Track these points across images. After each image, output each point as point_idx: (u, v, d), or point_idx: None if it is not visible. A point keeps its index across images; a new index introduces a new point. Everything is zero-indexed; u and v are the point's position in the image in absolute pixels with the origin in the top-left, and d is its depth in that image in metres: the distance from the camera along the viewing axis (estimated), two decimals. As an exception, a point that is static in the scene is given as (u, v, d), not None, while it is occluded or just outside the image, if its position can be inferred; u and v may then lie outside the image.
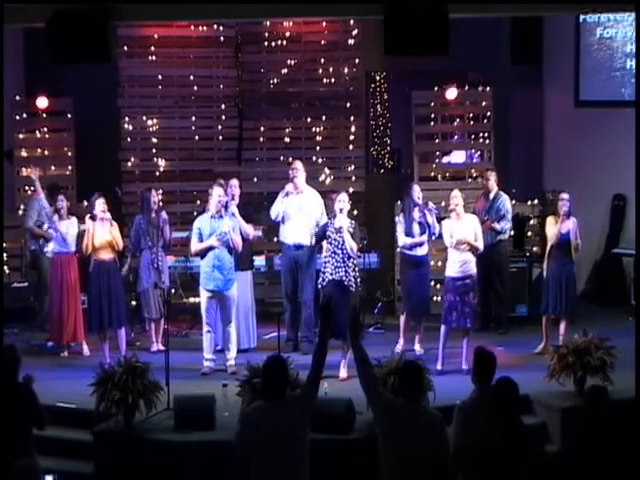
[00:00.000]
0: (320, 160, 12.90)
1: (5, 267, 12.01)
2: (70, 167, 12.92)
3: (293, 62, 12.99)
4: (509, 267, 11.73)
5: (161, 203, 11.29)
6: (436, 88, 12.81)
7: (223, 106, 13.08)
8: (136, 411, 8.01)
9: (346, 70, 13.00)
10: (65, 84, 12.73)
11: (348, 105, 13.02)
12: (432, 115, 12.95)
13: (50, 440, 7.78)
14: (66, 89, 12.84)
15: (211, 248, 9.78)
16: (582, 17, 12.82)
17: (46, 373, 9.51)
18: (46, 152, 13.01)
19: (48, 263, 11.09)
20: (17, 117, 12.85)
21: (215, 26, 12.90)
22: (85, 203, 11.45)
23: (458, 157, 13.25)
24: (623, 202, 13.08)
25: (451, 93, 12.74)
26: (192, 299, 11.54)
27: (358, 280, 9.61)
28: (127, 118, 12.93)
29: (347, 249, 9.44)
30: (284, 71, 13.01)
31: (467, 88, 12.88)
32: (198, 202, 12.38)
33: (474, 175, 12.83)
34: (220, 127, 13.06)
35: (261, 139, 13.07)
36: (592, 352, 8.52)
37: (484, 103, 12.85)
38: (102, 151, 12.78)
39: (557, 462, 8.10)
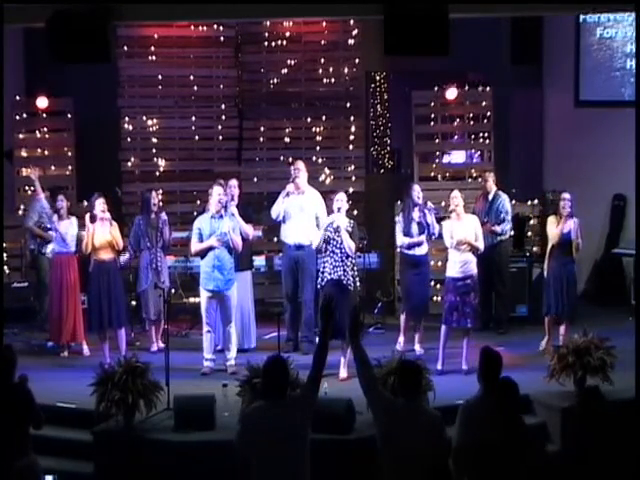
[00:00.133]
0: (320, 160, 12.89)
1: (5, 267, 12.01)
2: (70, 167, 12.92)
3: (293, 62, 12.99)
4: (509, 267, 11.73)
5: (161, 204, 11.29)
6: (436, 88, 12.80)
7: (223, 106, 13.07)
8: (136, 411, 8.01)
9: (346, 70, 13.00)
10: (65, 84, 12.72)
11: (348, 105, 13.02)
12: (432, 115, 12.95)
13: (50, 440, 7.79)
14: (66, 89, 12.83)
15: (211, 248, 9.78)
16: (582, 17, 12.85)
17: (46, 373, 9.55)
18: (46, 152, 13.01)
19: (48, 263, 11.10)
20: (17, 117, 12.85)
21: (215, 26, 12.89)
22: (85, 203, 11.45)
23: (458, 157, 13.25)
24: (623, 202, 13.09)
25: (451, 93, 12.73)
26: (192, 299, 11.54)
27: (357, 279, 9.61)
28: (127, 118, 12.93)
29: (345, 248, 9.45)
30: (284, 71, 13.00)
31: (467, 88, 12.88)
32: (198, 202, 12.37)
33: (474, 175, 12.83)
34: (220, 127, 13.06)
35: (261, 139, 13.06)
36: (592, 352, 8.52)
37: (484, 103, 12.85)
38: (102, 151, 12.78)
39: (557, 462, 8.11)
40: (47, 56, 8.61)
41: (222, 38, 12.99)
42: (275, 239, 11.77)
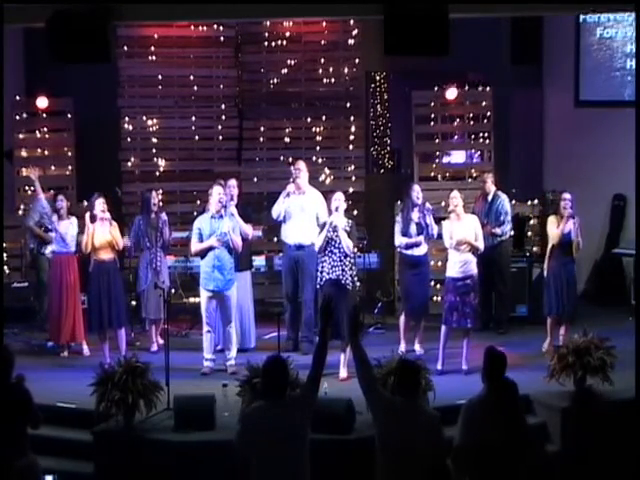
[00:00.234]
0: (320, 160, 12.89)
1: (5, 267, 12.01)
2: (70, 167, 12.92)
3: (293, 62, 12.99)
4: (510, 267, 11.73)
5: (161, 204, 11.29)
6: (436, 88, 12.80)
7: (223, 106, 13.07)
8: (136, 411, 8.01)
9: (346, 70, 12.99)
10: (65, 84, 12.71)
11: (348, 105, 13.02)
12: (432, 115, 12.94)
13: (50, 440, 7.80)
14: (66, 89, 12.81)
15: (211, 248, 9.78)
16: (582, 17, 12.85)
17: (46, 373, 9.56)
18: (46, 152, 13.01)
19: (47, 263, 11.10)
20: (17, 117, 12.85)
21: (215, 26, 12.89)
22: (85, 203, 11.45)
23: (458, 157, 13.25)
24: (623, 202, 13.09)
25: (451, 93, 12.73)
26: (192, 299, 11.54)
27: (355, 279, 9.61)
28: (127, 118, 12.93)
29: (344, 248, 9.45)
30: (284, 71, 13.00)
31: (467, 88, 12.87)
32: (198, 202, 12.37)
33: (474, 175, 12.83)
34: (220, 127, 13.06)
35: (261, 139, 13.06)
36: (592, 352, 8.52)
37: (484, 103, 12.84)
38: (102, 151, 12.78)
39: (557, 462, 8.11)
40: (47, 56, 8.60)
41: (222, 38, 12.99)
42: (275, 239, 11.78)
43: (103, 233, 10.05)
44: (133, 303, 11.40)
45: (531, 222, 12.61)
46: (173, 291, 11.62)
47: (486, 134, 12.90)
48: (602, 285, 12.91)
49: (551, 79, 13.76)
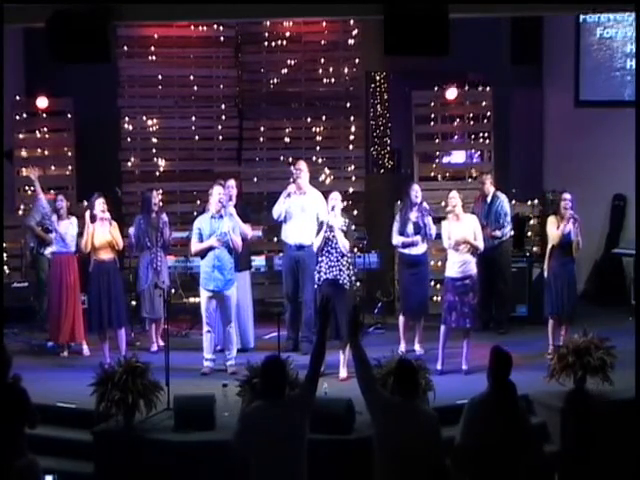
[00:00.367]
0: (320, 160, 12.88)
1: (5, 267, 12.01)
2: (70, 167, 12.92)
3: (293, 62, 12.99)
4: (511, 266, 11.73)
5: (161, 204, 11.29)
6: (436, 88, 12.80)
7: (223, 106, 13.07)
8: (136, 411, 8.01)
9: (346, 70, 12.99)
10: (65, 84, 12.71)
11: (348, 105, 13.01)
12: (432, 115, 12.94)
13: (50, 440, 7.81)
14: (66, 89, 12.82)
15: (211, 248, 9.78)
16: (582, 17, 12.85)
17: (46, 373, 9.56)
18: (46, 152, 13.01)
19: (47, 263, 11.10)
20: (17, 117, 12.85)
21: (215, 26, 12.89)
22: (85, 203, 11.45)
23: (458, 157, 13.25)
24: (623, 202, 13.09)
25: (451, 93, 12.73)
26: (192, 299, 11.55)
27: (353, 278, 9.62)
28: (127, 118, 12.93)
29: (340, 247, 9.45)
30: (284, 71, 13.00)
31: (467, 88, 12.87)
32: (198, 202, 12.37)
33: (474, 175, 12.82)
34: (220, 127, 13.06)
35: (261, 139, 13.06)
36: (592, 352, 8.52)
37: (484, 103, 12.84)
38: (102, 151, 12.77)
39: (556, 462, 8.11)
40: (47, 56, 8.61)
41: (222, 38, 12.99)
42: (275, 239, 11.78)
43: (103, 233, 10.05)
44: (133, 303, 11.40)
45: (531, 222, 12.61)
46: (173, 291, 11.62)
47: (486, 134, 12.90)
48: (602, 285, 12.91)
49: (551, 79, 13.76)
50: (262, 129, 13.01)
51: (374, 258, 11.90)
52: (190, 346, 10.52)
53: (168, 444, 7.89)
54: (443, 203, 11.09)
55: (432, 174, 12.98)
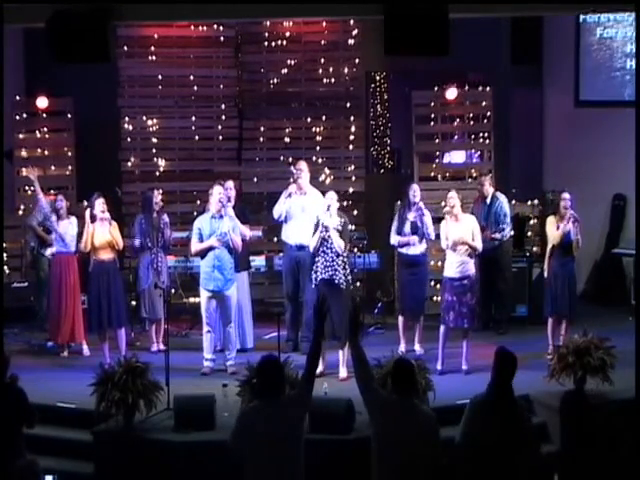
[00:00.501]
0: (320, 160, 12.89)
1: (5, 267, 12.01)
2: (70, 167, 12.92)
3: (293, 62, 12.99)
4: (511, 266, 11.73)
5: (162, 204, 11.27)
6: (436, 88, 12.80)
7: (223, 106, 13.07)
8: (136, 411, 8.01)
9: (346, 70, 13.00)
10: (65, 84, 12.71)
11: (348, 105, 13.02)
12: (432, 115, 12.94)
13: (50, 440, 7.82)
14: (66, 89, 12.82)
15: (211, 248, 9.78)
16: (582, 17, 12.84)
17: (46, 373, 9.57)
18: (46, 152, 13.01)
19: (48, 263, 11.10)
20: (17, 117, 12.85)
21: (215, 26, 12.90)
22: (85, 203, 11.45)
23: (458, 157, 13.25)
24: (623, 202, 13.09)
25: (451, 93, 12.73)
26: (192, 299, 11.55)
27: (349, 278, 9.61)
28: (127, 118, 12.93)
29: (335, 247, 9.44)
30: (284, 71, 13.00)
31: (467, 88, 12.87)
32: (198, 202, 12.38)
33: (474, 175, 12.82)
34: (220, 127, 13.06)
35: (261, 139, 13.06)
36: (592, 352, 8.52)
37: (484, 103, 12.84)
38: (102, 151, 12.77)
39: (555, 462, 8.11)
40: (47, 56, 8.60)
41: (222, 38, 12.99)
42: (275, 239, 11.78)
43: (103, 233, 10.05)
44: (133, 303, 11.40)
45: (531, 222, 12.61)
46: (173, 291, 11.62)
47: (486, 134, 12.90)
48: (602, 285, 12.91)
49: (551, 79, 13.76)
50: (262, 129, 13.02)
51: (374, 258, 11.90)
52: (190, 346, 10.53)
53: (168, 444, 7.88)
54: (443, 203, 11.09)
55: (432, 174, 12.98)
